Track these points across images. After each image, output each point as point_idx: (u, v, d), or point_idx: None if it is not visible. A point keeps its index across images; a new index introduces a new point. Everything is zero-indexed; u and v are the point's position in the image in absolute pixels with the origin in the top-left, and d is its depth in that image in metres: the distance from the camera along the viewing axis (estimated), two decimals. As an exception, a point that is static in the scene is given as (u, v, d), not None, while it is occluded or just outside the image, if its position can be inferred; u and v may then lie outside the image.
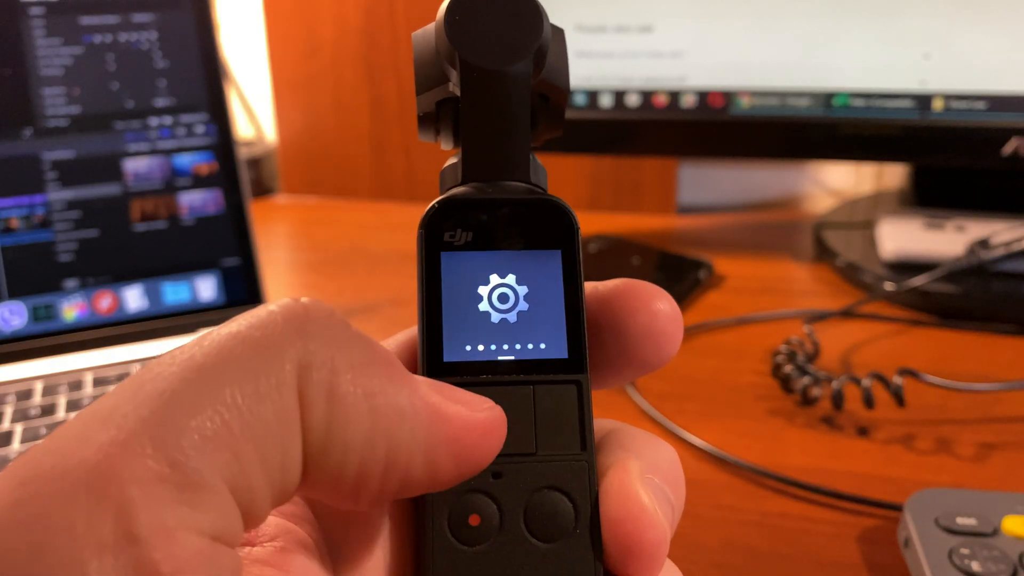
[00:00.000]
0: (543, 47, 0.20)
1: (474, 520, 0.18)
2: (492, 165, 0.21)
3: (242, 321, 0.15)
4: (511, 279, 0.20)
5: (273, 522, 0.18)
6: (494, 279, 0.20)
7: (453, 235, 0.20)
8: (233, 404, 0.14)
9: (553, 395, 0.19)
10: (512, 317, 0.20)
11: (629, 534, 0.18)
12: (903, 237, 0.65)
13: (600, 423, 0.21)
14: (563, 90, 0.22)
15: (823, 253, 0.70)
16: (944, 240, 0.64)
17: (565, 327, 0.20)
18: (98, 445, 0.13)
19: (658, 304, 0.20)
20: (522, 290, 0.20)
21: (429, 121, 0.22)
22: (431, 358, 0.19)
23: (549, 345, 0.20)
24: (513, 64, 0.20)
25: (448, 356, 0.19)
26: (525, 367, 0.20)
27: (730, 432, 0.47)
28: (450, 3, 0.20)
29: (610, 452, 0.19)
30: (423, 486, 0.17)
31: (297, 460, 0.15)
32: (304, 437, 0.15)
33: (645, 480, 0.18)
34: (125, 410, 0.14)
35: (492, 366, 0.20)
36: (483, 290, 0.20)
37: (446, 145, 0.23)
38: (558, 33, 0.22)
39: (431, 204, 0.20)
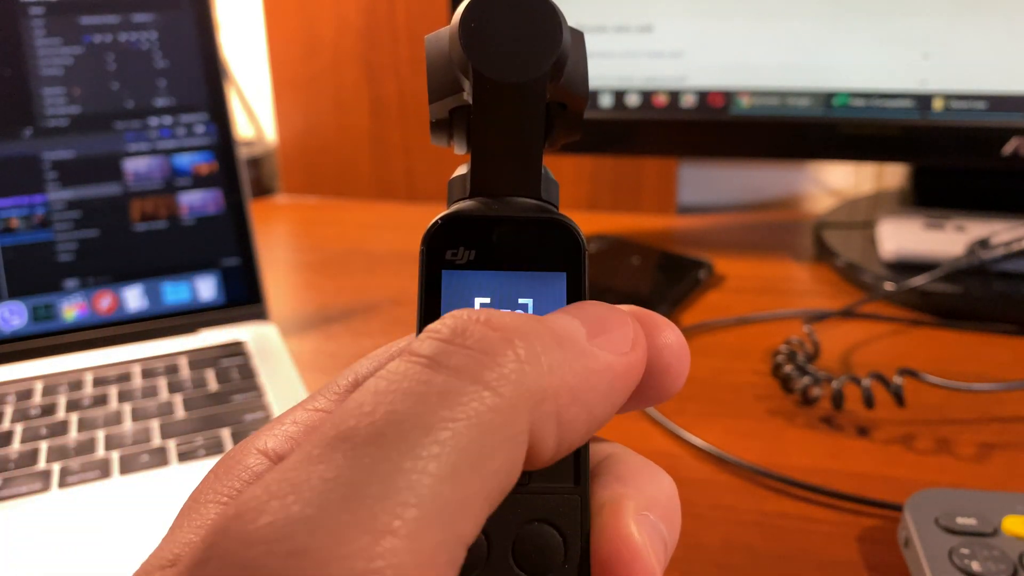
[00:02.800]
0: (561, 57, 0.19)
1: None
2: (501, 179, 0.20)
3: (481, 407, 0.15)
4: (513, 301, 0.20)
5: None
6: (495, 300, 0.20)
7: (455, 253, 0.20)
8: (484, 480, 0.14)
9: None
10: None
11: None
12: (903, 237, 0.65)
13: (598, 446, 0.20)
14: (582, 97, 0.21)
15: (823, 253, 0.70)
16: (944, 240, 0.64)
17: None
18: (372, 534, 0.13)
19: (664, 337, 0.19)
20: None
21: (442, 128, 0.21)
22: None
23: None
24: (529, 77, 0.19)
25: None
26: None
27: (730, 432, 0.47)
28: (465, 9, 0.19)
29: (606, 485, 0.19)
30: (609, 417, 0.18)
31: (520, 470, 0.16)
32: (531, 453, 0.16)
33: (640, 518, 0.18)
34: (392, 489, 0.13)
35: None
36: None
37: (459, 150, 0.22)
38: (577, 37, 0.20)
39: (434, 220, 0.20)
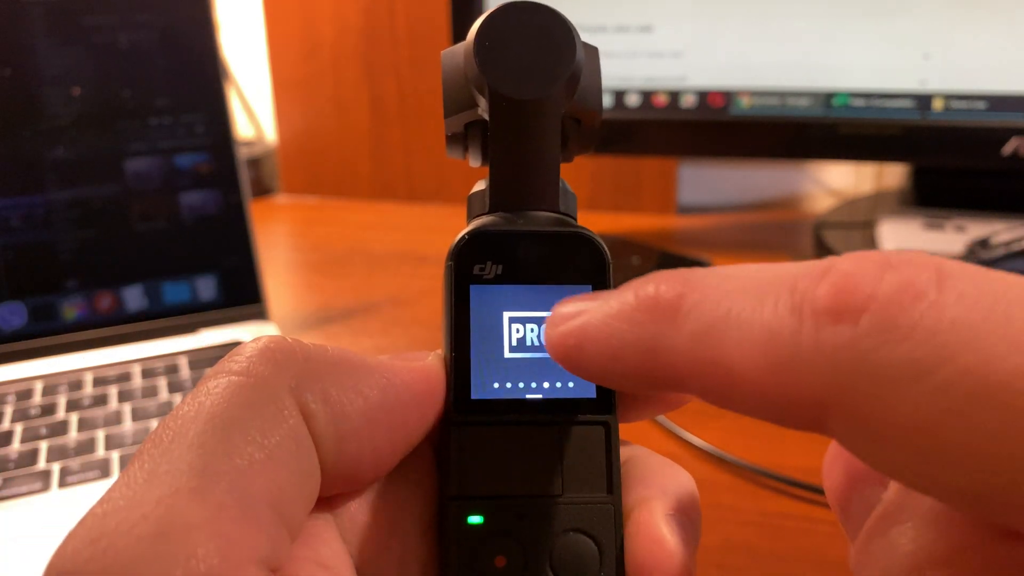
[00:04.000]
0: (575, 73, 0.20)
1: (499, 561, 0.18)
2: (521, 194, 0.21)
3: (233, 367, 0.17)
4: (541, 314, 0.20)
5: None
6: (523, 314, 0.20)
7: (483, 268, 0.20)
8: (253, 439, 0.16)
9: (580, 436, 0.19)
10: (540, 354, 0.20)
11: None
12: (903, 237, 0.65)
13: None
14: (596, 112, 0.21)
15: (823, 253, 0.70)
16: (944, 240, 0.64)
17: None
18: (155, 500, 0.15)
19: None
20: None
21: (457, 141, 0.22)
22: (459, 395, 0.19)
23: (577, 384, 0.20)
24: (544, 94, 0.19)
25: (476, 393, 0.19)
26: (552, 407, 0.19)
27: (730, 432, 0.47)
28: (480, 27, 0.19)
29: (631, 489, 0.19)
30: (419, 432, 0.19)
31: (316, 465, 0.17)
32: (317, 443, 0.17)
33: (669, 520, 0.18)
34: (166, 468, 0.15)
35: (519, 405, 0.19)
36: (512, 325, 0.20)
37: (474, 163, 0.22)
38: (591, 53, 0.21)
39: (460, 235, 0.20)
